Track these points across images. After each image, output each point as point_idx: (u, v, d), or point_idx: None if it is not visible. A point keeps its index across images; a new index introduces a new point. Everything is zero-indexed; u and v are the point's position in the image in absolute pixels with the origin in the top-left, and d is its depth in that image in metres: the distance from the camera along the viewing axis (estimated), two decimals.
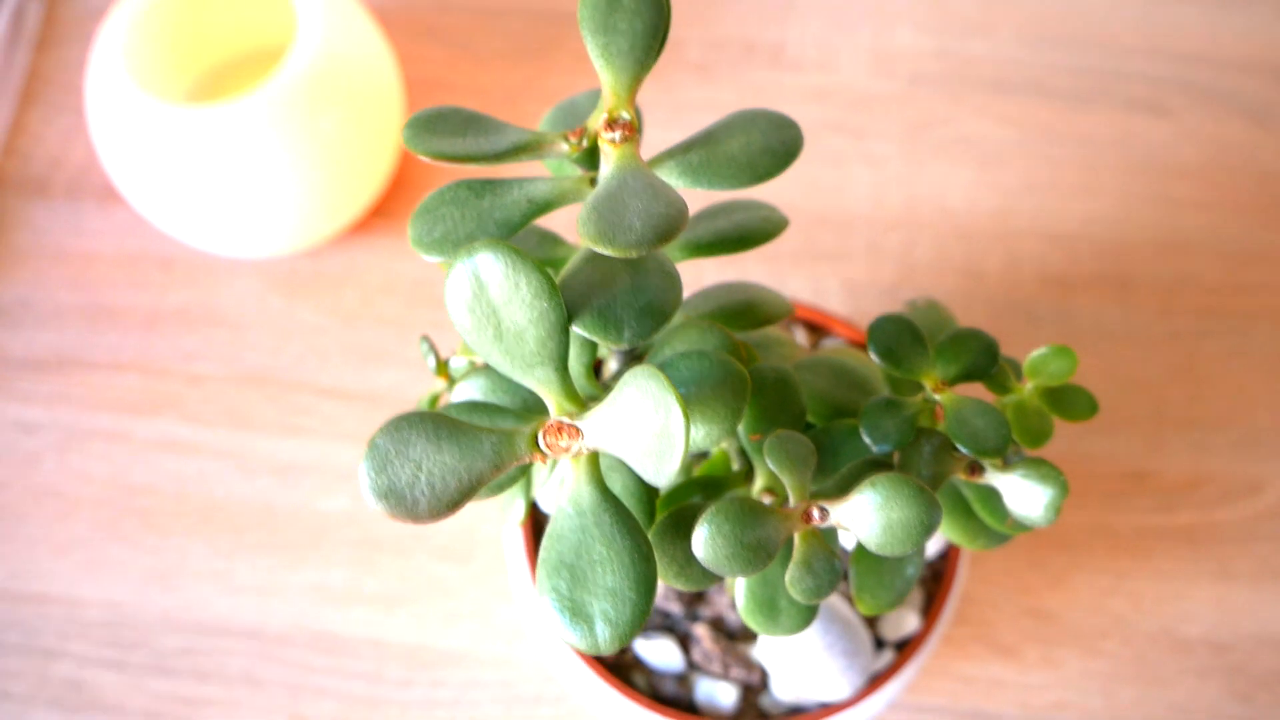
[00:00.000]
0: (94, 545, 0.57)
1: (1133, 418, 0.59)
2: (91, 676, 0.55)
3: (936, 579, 0.43)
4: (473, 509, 0.57)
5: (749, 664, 0.42)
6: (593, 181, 0.30)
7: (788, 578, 0.28)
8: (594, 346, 0.30)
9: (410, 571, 0.56)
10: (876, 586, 0.32)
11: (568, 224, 0.43)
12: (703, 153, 0.29)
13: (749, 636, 0.43)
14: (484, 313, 0.27)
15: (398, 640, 0.55)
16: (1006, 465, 0.31)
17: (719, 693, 0.42)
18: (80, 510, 0.58)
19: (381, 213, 0.63)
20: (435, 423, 0.26)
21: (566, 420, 0.27)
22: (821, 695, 0.41)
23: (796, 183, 0.64)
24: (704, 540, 0.27)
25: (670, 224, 0.25)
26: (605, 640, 0.27)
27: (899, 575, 0.32)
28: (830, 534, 0.29)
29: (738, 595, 0.31)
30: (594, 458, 0.27)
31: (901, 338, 0.31)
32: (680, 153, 0.30)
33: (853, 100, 0.65)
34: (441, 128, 0.30)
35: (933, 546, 0.43)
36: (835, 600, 0.41)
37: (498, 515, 0.57)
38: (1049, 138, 0.65)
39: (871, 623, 0.43)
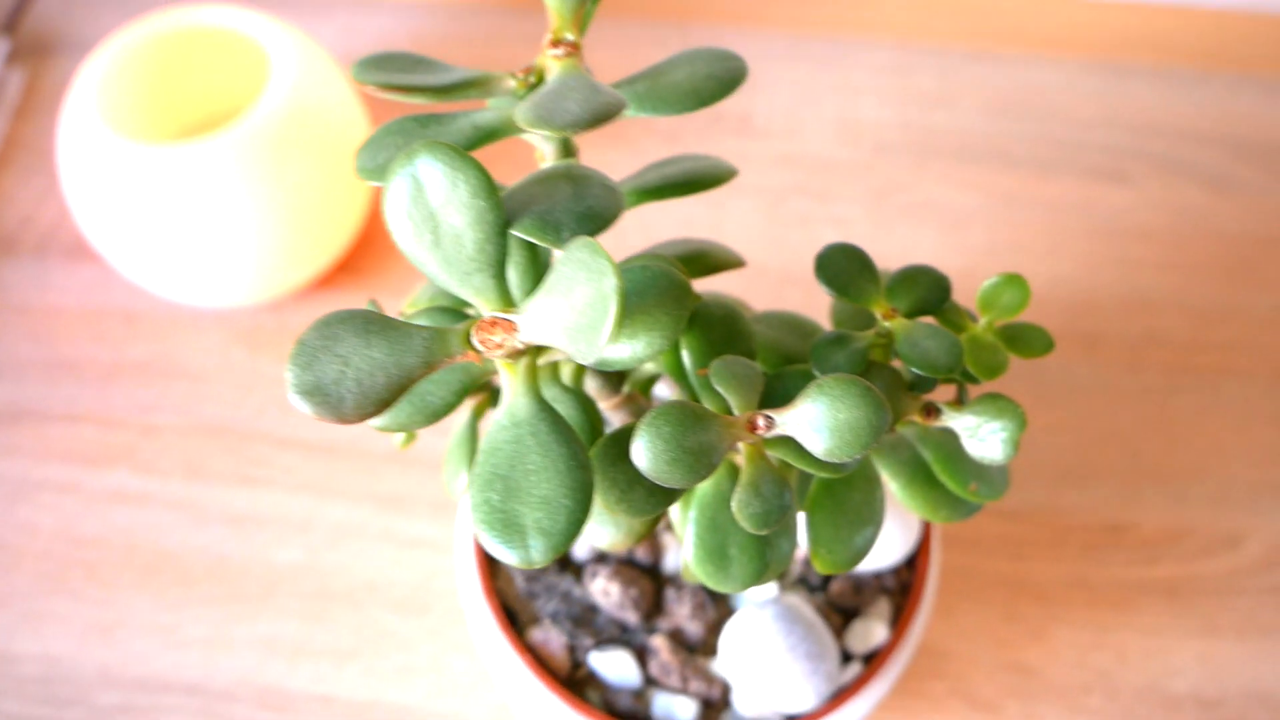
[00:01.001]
0: (34, 598, 0.55)
1: (1107, 471, 0.58)
2: None
3: (904, 590, 0.42)
4: (430, 560, 0.56)
5: (709, 678, 0.40)
6: None
7: (735, 504, 0.27)
8: (536, 272, 0.30)
9: (363, 624, 0.54)
10: (833, 541, 0.30)
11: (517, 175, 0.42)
12: (649, 82, 0.29)
13: (709, 649, 0.41)
14: (422, 217, 0.26)
15: (349, 696, 0.53)
16: (962, 406, 0.30)
17: (677, 708, 0.39)
18: (23, 562, 0.56)
19: (347, 269, 0.63)
20: (365, 319, 0.26)
21: (501, 315, 0.26)
22: (786, 707, 0.38)
23: (764, 242, 0.64)
24: (644, 446, 0.26)
25: (607, 108, 0.25)
26: (539, 551, 0.25)
27: (857, 530, 0.31)
28: (782, 468, 0.28)
29: (686, 544, 0.30)
30: (532, 367, 0.26)
31: (851, 264, 0.30)
32: (626, 84, 0.30)
33: (818, 166, 0.66)
34: (390, 65, 0.30)
35: (900, 552, 0.41)
36: (797, 601, 0.39)
37: (453, 568, 0.55)
38: (1012, 203, 0.65)
39: (838, 634, 0.41)
